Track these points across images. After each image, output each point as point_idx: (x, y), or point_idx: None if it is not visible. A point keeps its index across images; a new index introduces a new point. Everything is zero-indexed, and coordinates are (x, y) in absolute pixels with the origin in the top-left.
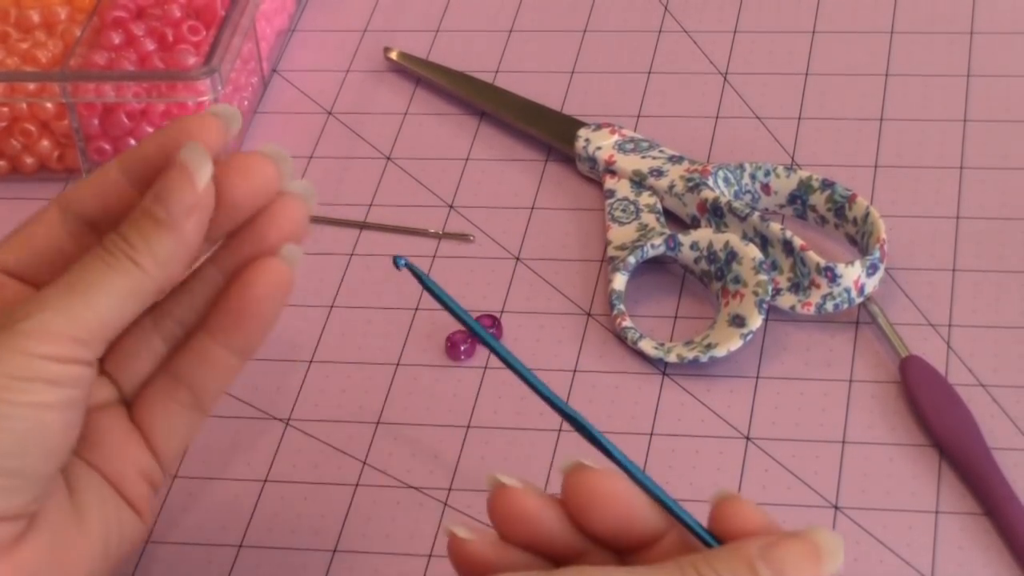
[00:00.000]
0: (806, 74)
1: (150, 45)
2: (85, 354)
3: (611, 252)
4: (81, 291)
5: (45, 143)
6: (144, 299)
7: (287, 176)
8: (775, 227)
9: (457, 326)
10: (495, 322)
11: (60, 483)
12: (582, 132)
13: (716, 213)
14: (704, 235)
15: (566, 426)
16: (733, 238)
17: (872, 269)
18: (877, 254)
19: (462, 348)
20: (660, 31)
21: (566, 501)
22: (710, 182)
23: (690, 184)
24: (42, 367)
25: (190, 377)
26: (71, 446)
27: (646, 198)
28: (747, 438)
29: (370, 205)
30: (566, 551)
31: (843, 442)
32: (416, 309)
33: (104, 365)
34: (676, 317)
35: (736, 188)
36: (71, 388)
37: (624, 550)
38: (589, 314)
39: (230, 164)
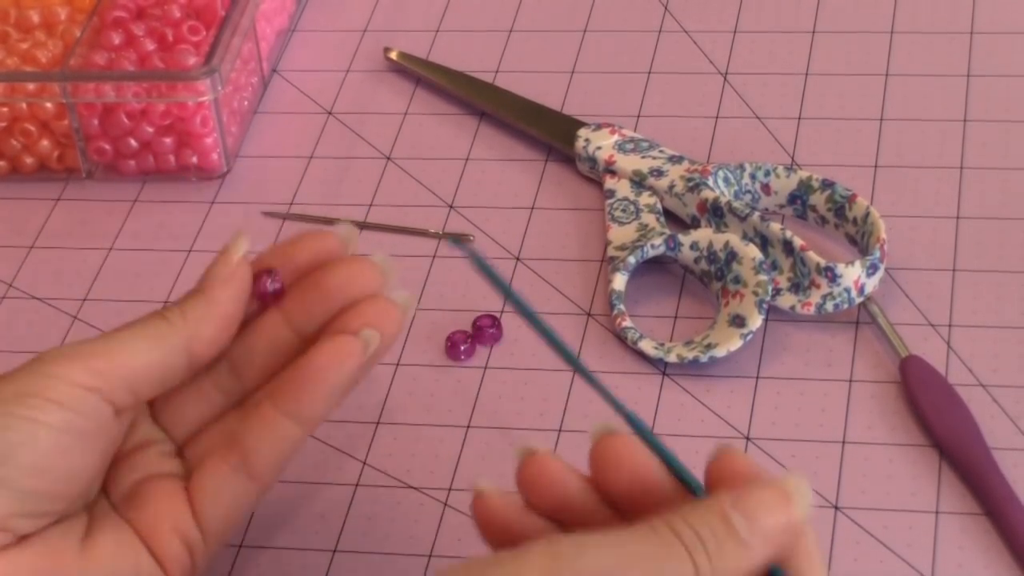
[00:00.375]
0: (806, 74)
1: (150, 45)
2: (98, 383)
3: (611, 252)
4: (107, 336)
5: (45, 143)
6: (169, 348)
7: (390, 286)
8: (775, 227)
9: (457, 325)
10: (495, 322)
11: (78, 518)
12: (582, 132)
13: (716, 213)
14: (704, 235)
15: (566, 426)
16: (733, 238)
17: (872, 269)
18: (877, 254)
19: (462, 348)
20: (660, 31)
21: (592, 463)
22: (710, 182)
23: (690, 184)
24: (48, 385)
25: (244, 440)
26: (70, 473)
27: (646, 198)
28: (747, 438)
29: (370, 205)
30: (585, 518)
31: (843, 442)
32: (416, 309)
33: (183, 450)
34: (676, 317)
35: (736, 188)
36: (75, 413)
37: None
38: (589, 314)
39: (341, 264)
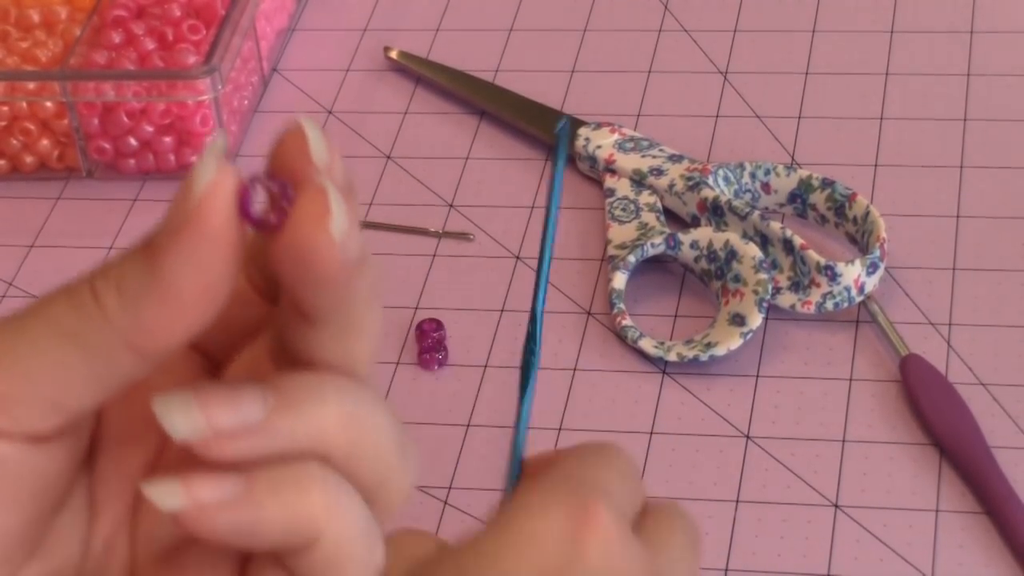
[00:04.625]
0: (806, 74)
1: (150, 44)
2: (7, 421)
3: (611, 251)
4: (20, 321)
5: (45, 142)
6: (96, 349)
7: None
8: (775, 226)
9: (458, 324)
10: (438, 325)
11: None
12: (582, 131)
13: (716, 212)
14: (704, 234)
15: (566, 425)
16: (733, 237)
17: (872, 268)
18: (877, 253)
19: (438, 356)
20: (660, 31)
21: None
22: (710, 181)
23: (690, 183)
24: None
25: None
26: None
27: (646, 197)
28: (747, 437)
29: (370, 204)
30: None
31: (843, 441)
32: (416, 308)
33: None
34: (676, 316)
35: (736, 187)
36: None
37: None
38: (589, 313)
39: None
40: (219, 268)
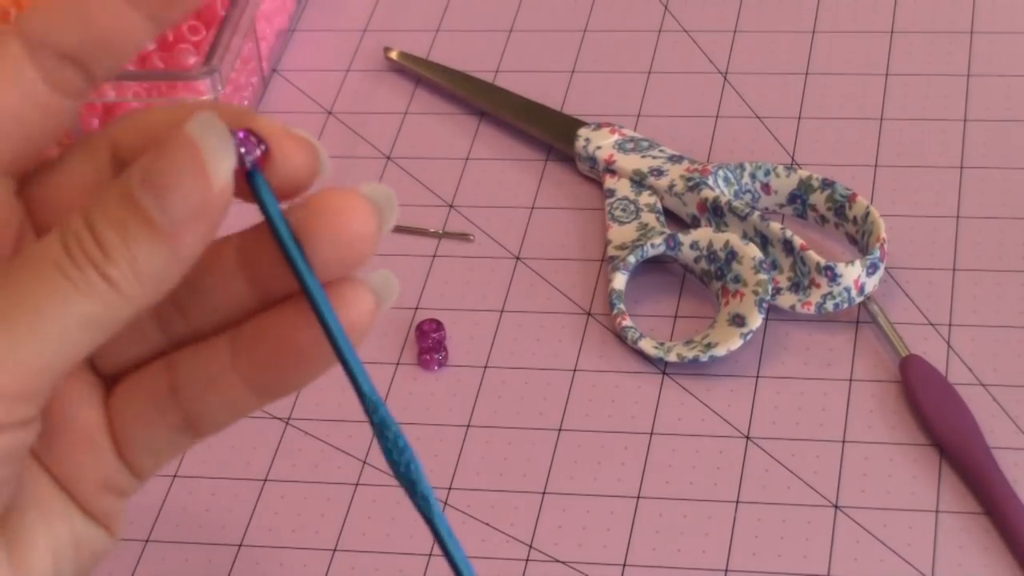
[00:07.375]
0: (806, 74)
1: (150, 44)
2: (23, 412)
3: (611, 251)
4: (25, 320)
5: None
6: (113, 329)
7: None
8: (775, 226)
9: (457, 325)
10: (438, 326)
11: None
12: (582, 131)
13: (716, 212)
14: (704, 234)
15: (566, 425)
16: (733, 237)
17: (872, 268)
18: (877, 253)
19: (438, 357)
20: (660, 31)
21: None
22: (710, 181)
23: (690, 183)
24: None
25: (191, 399)
26: None
27: (646, 197)
28: (747, 437)
29: None
30: None
31: (843, 442)
32: (416, 309)
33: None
34: (676, 316)
35: (736, 187)
36: None
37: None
38: (589, 313)
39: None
40: (207, 242)
